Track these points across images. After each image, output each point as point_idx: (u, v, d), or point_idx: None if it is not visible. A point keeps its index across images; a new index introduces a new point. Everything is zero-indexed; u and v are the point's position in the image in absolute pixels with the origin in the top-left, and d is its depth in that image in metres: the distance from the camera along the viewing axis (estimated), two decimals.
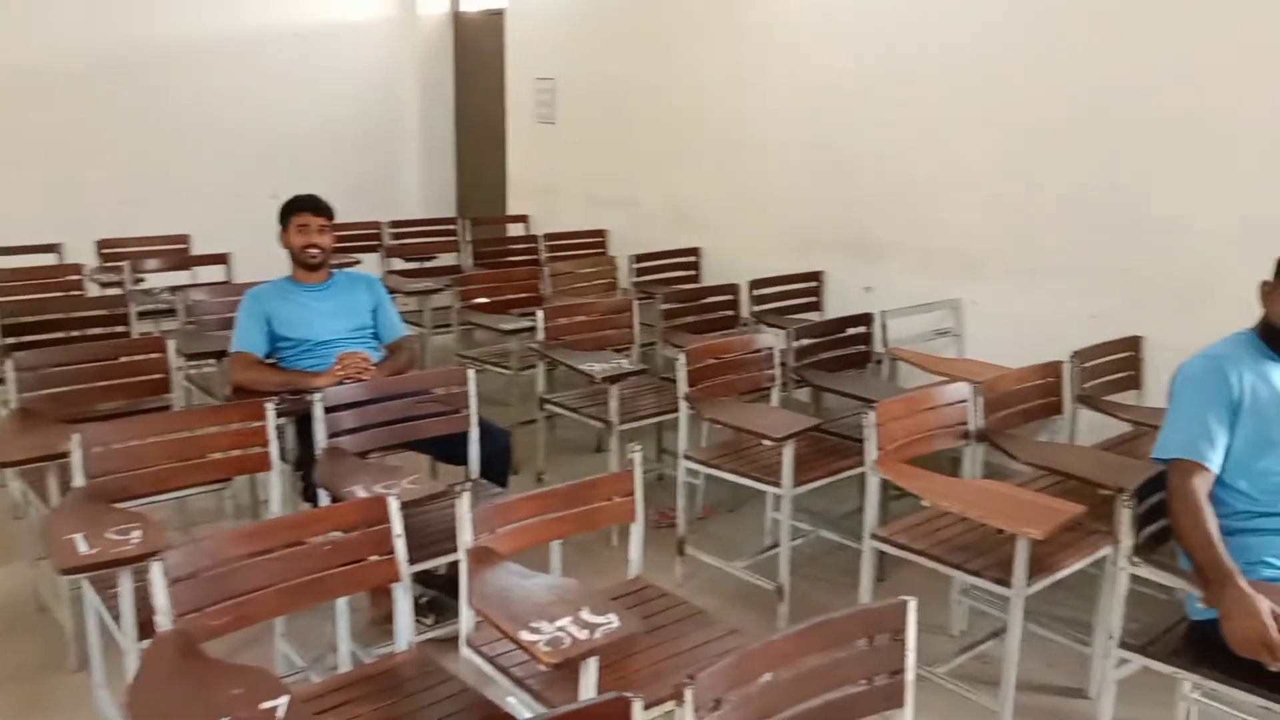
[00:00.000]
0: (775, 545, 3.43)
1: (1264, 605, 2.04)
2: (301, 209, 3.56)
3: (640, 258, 5.44)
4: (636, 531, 2.55)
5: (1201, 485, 2.28)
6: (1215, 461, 2.30)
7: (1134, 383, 3.80)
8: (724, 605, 3.39)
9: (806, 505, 3.82)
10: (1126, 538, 2.33)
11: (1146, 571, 2.31)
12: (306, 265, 3.57)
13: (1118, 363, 3.76)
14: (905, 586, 3.49)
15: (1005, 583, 2.55)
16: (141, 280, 5.14)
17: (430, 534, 2.76)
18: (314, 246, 3.54)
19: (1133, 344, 3.82)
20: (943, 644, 3.15)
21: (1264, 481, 2.33)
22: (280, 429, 3.15)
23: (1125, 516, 2.32)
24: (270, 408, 2.82)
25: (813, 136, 5.02)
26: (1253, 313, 2.41)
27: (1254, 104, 3.48)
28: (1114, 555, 2.47)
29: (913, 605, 1.77)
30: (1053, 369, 3.47)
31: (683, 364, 3.45)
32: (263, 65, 7.27)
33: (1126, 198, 3.85)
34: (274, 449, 2.82)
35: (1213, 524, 2.22)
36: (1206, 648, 2.22)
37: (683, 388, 3.46)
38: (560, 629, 1.94)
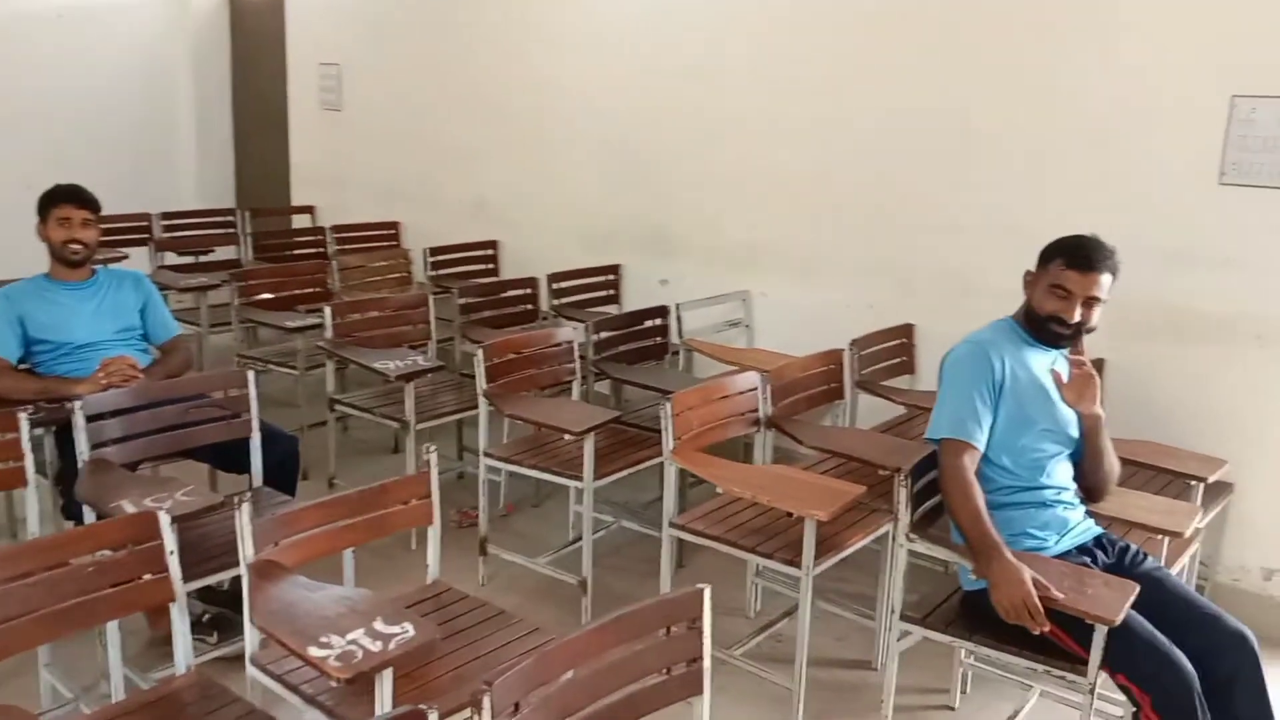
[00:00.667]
0: (578, 539, 3.43)
1: (1026, 574, 2.21)
2: (62, 200, 3.26)
3: (436, 251, 5.31)
4: (433, 535, 2.48)
5: (970, 463, 2.43)
6: (981, 440, 2.46)
7: (908, 368, 4.04)
8: (529, 603, 3.37)
9: (609, 497, 3.85)
10: (903, 515, 2.47)
11: (922, 547, 2.46)
12: (67, 261, 3.28)
13: (892, 349, 3.98)
14: (704, 572, 3.60)
15: (795, 563, 2.65)
16: None
17: (210, 548, 2.59)
18: (76, 242, 3.26)
19: (906, 331, 4.05)
20: (740, 626, 3.25)
21: (1024, 458, 2.52)
22: (38, 441, 2.88)
23: (902, 495, 2.46)
24: (24, 418, 2.56)
25: (609, 133, 5.04)
26: (1010, 303, 2.60)
27: (1017, 123, 3.76)
28: (893, 532, 2.62)
29: (708, 593, 1.81)
30: (834, 356, 3.63)
31: (481, 359, 3.39)
32: (18, 49, 6.61)
33: (905, 199, 4.08)
34: (29, 463, 2.57)
35: (980, 500, 2.38)
36: (979, 616, 2.39)
37: (482, 383, 3.40)
38: (352, 642, 1.86)
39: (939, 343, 2.63)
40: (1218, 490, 3.24)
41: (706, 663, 1.82)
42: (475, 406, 3.51)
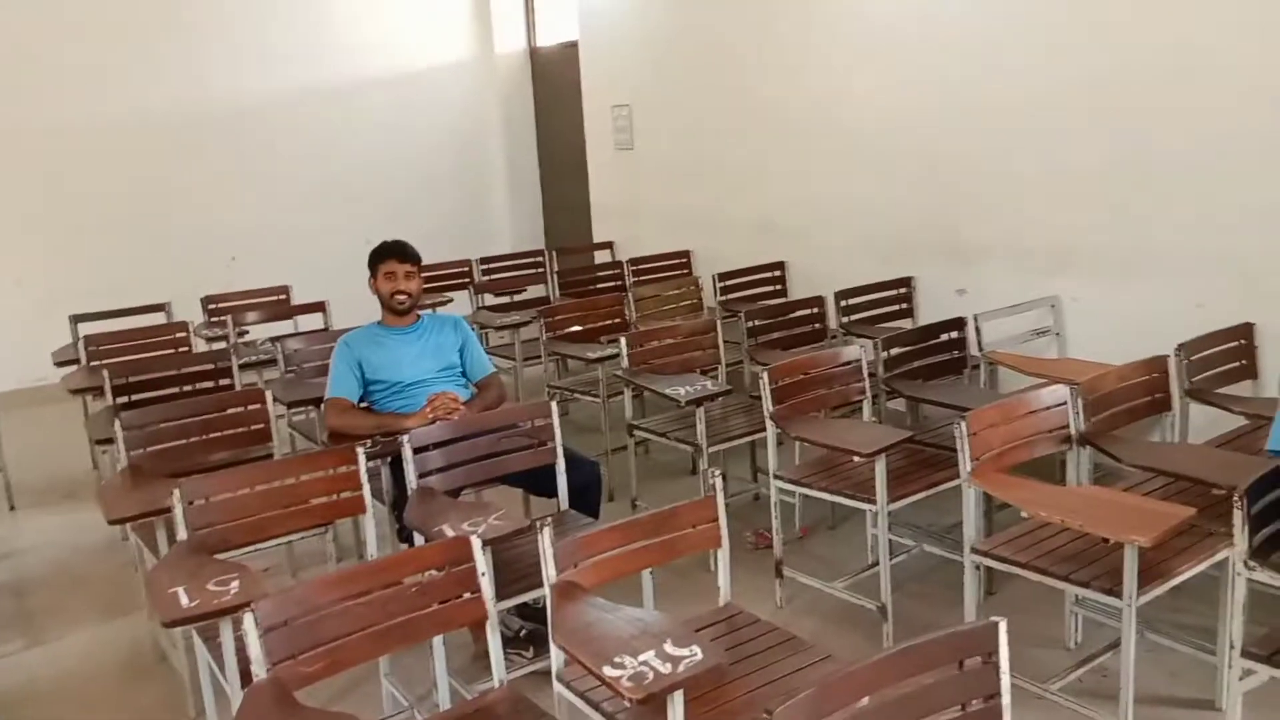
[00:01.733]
0: (876, 564, 3.34)
1: None
2: (387, 256, 3.65)
3: (724, 275, 5.41)
4: (723, 557, 2.52)
5: None
6: None
7: (1249, 373, 3.60)
8: (826, 627, 3.32)
9: (909, 520, 3.73)
10: (1241, 540, 2.20)
11: (1265, 575, 2.17)
12: (395, 310, 3.66)
13: (1229, 353, 3.56)
14: (1015, 600, 3.40)
15: (1116, 593, 2.43)
16: (245, 333, 5.34)
17: (523, 568, 2.78)
18: (401, 292, 3.63)
19: (1244, 332, 3.61)
20: (1058, 658, 3.02)
21: None
22: (376, 471, 3.23)
23: (1238, 518, 2.19)
24: (361, 451, 2.88)
25: (894, 140, 4.92)
26: None
27: None
28: (1231, 559, 2.33)
29: (1003, 626, 1.70)
30: (1158, 364, 3.30)
31: (766, 381, 3.41)
32: (351, 114, 7.54)
33: (1229, 183, 3.65)
34: (367, 492, 2.88)
35: None
36: None
37: (768, 406, 3.41)
38: (644, 663, 1.92)
39: None
40: None
41: (1005, 699, 1.71)
42: (764, 429, 3.53)
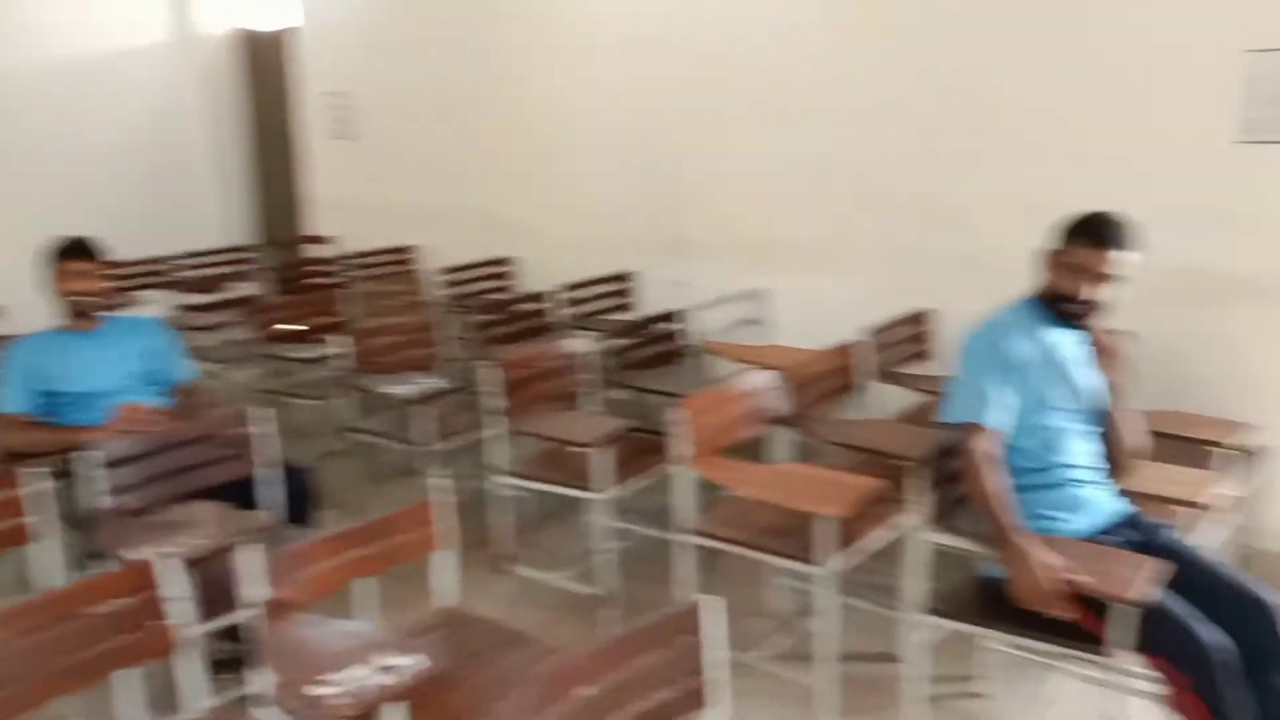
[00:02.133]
0: (599, 551, 3.40)
1: (1045, 558, 2.14)
2: (66, 254, 3.29)
3: (450, 270, 5.32)
4: (445, 560, 2.47)
5: (989, 447, 2.37)
6: (1001, 422, 2.39)
7: (929, 353, 3.96)
8: (555, 619, 3.34)
9: (635, 506, 3.82)
10: (921, 505, 2.41)
11: (941, 537, 2.39)
12: (76, 312, 3.31)
13: (911, 336, 3.91)
14: (733, 574, 3.55)
15: (813, 562, 2.60)
16: None
17: (230, 587, 2.59)
18: (81, 293, 3.28)
19: (923, 317, 3.98)
20: (764, 626, 3.20)
21: (1040, 437, 2.45)
22: (56, 492, 2.91)
23: (918, 485, 2.40)
24: (26, 474, 2.58)
25: (620, 140, 5.03)
26: (1025, 282, 2.53)
27: (1027, 98, 3.69)
28: (914, 523, 2.55)
29: (707, 604, 1.77)
30: (851, 348, 3.57)
31: (491, 377, 3.38)
32: (35, 104, 6.73)
33: (917, 182, 4.02)
34: (32, 519, 2.58)
35: (1000, 484, 2.32)
36: (1001, 603, 2.32)
37: (500, 402, 3.39)
38: (360, 676, 1.85)
39: (958, 326, 2.57)
40: (1258, 456, 3.13)
41: (713, 674, 1.78)
42: (492, 425, 3.50)
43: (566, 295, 4.72)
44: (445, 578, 2.48)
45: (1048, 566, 2.13)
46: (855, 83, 4.10)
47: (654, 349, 4.17)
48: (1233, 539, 3.01)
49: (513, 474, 3.42)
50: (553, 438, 3.27)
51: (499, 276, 5.55)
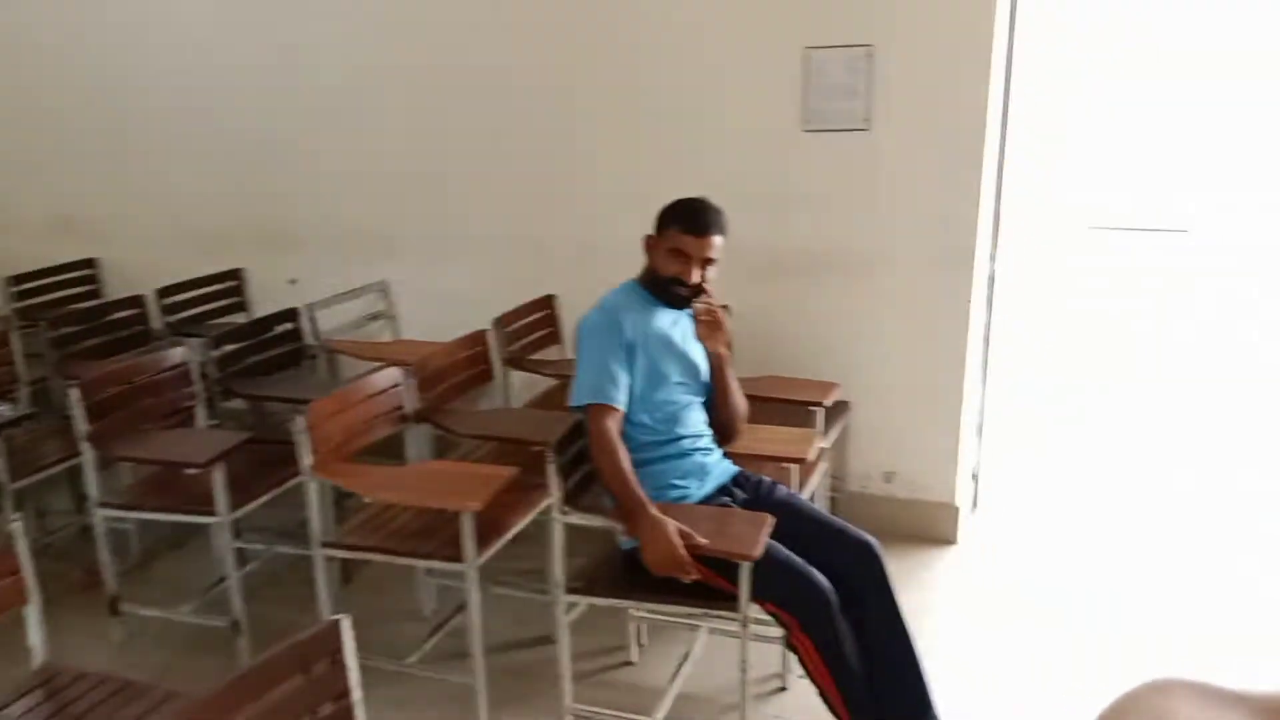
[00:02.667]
0: (226, 578, 3.14)
1: (671, 527, 2.27)
2: None
3: (18, 279, 4.64)
4: (32, 614, 2.15)
5: (613, 425, 2.47)
6: (622, 400, 2.50)
7: (554, 339, 4.06)
8: (182, 658, 3.06)
9: (261, 523, 3.57)
10: (556, 489, 2.46)
11: (576, 518, 2.46)
12: None
13: (537, 322, 3.97)
14: (374, 582, 3.46)
15: (456, 558, 2.58)
16: None
17: None
18: None
19: (547, 303, 4.06)
20: (419, 630, 3.14)
21: (661, 411, 2.59)
22: None
23: (551, 469, 2.45)
24: None
25: (213, 128, 4.60)
26: (639, 265, 2.66)
27: (618, 92, 3.84)
28: (551, 506, 2.61)
29: (346, 624, 1.68)
30: (479, 337, 3.57)
31: (78, 398, 2.99)
32: None
33: (529, 172, 4.06)
34: None
35: (625, 461, 2.43)
36: (638, 573, 2.43)
37: (82, 426, 3.00)
38: None
39: (580, 310, 2.64)
40: (837, 411, 3.54)
41: (356, 695, 1.70)
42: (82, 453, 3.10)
43: (166, 300, 4.29)
44: (35, 633, 2.17)
45: (674, 535, 2.26)
46: (464, 73, 4.08)
47: (271, 353, 3.91)
48: (821, 486, 3.38)
49: (112, 505, 3.06)
50: (154, 460, 2.96)
51: (83, 282, 4.92)
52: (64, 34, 4.81)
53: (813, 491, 3.11)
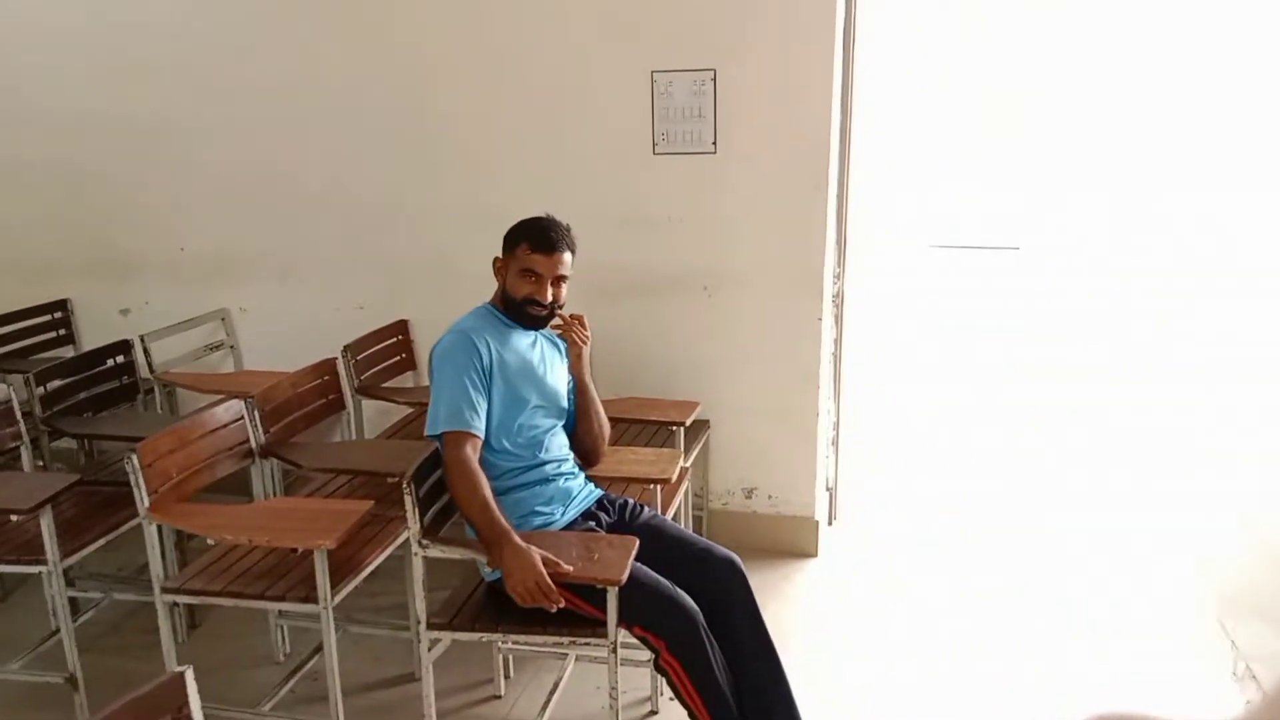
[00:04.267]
0: (58, 630, 2.92)
1: (536, 555, 2.23)
2: None
3: None
4: None
5: (473, 452, 2.41)
6: (480, 427, 2.44)
7: (408, 365, 3.97)
8: (13, 719, 2.81)
9: (96, 569, 3.35)
10: (414, 522, 2.38)
11: (436, 551, 2.39)
12: None
13: (390, 349, 3.88)
14: (223, 627, 3.29)
15: (311, 599, 2.47)
16: None
17: None
18: None
19: (401, 328, 3.97)
20: (272, 674, 2.99)
21: (521, 437, 2.55)
22: None
23: (409, 502, 2.37)
24: None
25: (30, 149, 4.32)
26: (493, 287, 2.61)
27: (473, 110, 3.79)
28: (409, 539, 2.53)
29: (190, 675, 1.57)
30: (327, 366, 3.45)
31: None
32: None
33: (377, 191, 3.96)
34: None
35: (485, 488, 2.37)
36: (503, 605, 2.39)
37: None
38: None
39: (435, 335, 2.57)
40: (697, 429, 3.58)
41: None
42: None
43: None
44: None
45: (539, 563, 2.22)
46: (309, 88, 3.95)
47: (103, 387, 3.67)
48: (685, 505, 3.40)
49: None
50: None
51: None
52: None
53: (676, 511, 3.12)
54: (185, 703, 1.57)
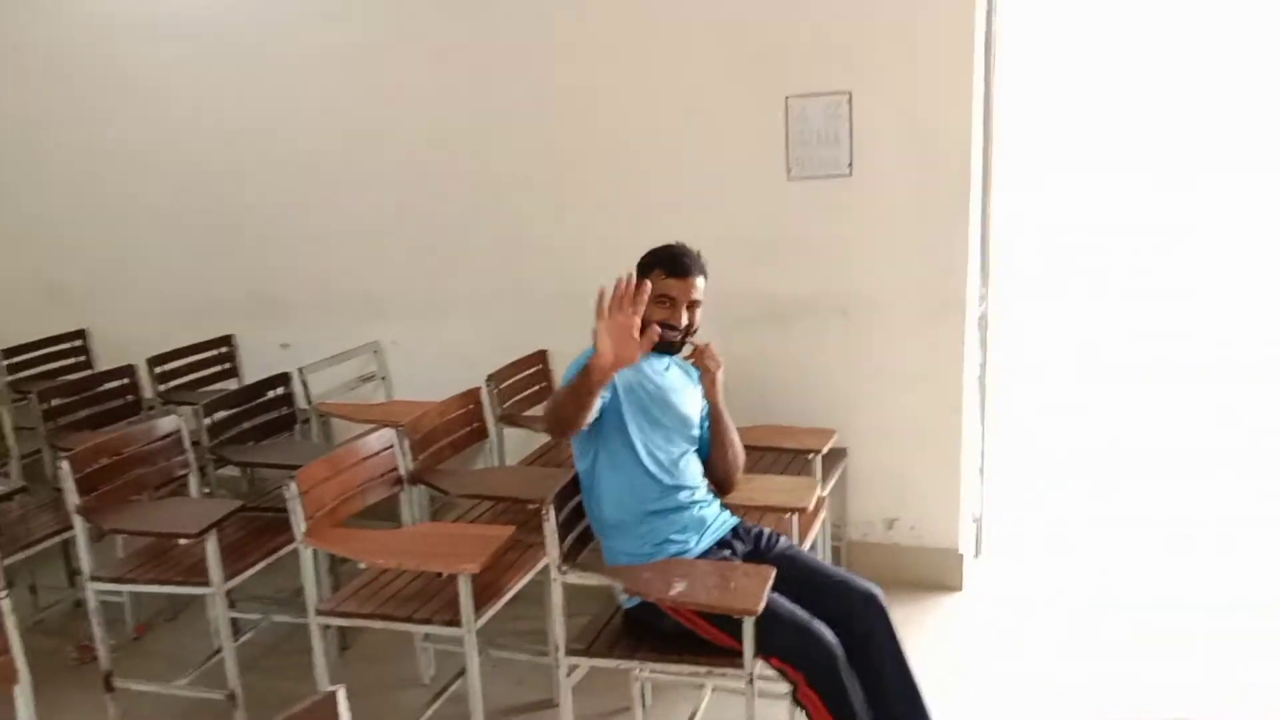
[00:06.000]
0: (221, 649, 3.08)
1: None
2: None
3: (8, 352, 4.63)
4: (22, 694, 2.10)
5: None
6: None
7: (549, 393, 4.03)
8: None
9: (255, 592, 3.52)
10: (553, 547, 2.42)
11: (574, 577, 2.42)
12: None
13: (530, 378, 3.96)
14: (372, 649, 3.41)
15: (455, 622, 2.53)
16: None
17: None
18: None
19: (540, 358, 4.05)
20: (418, 696, 3.08)
21: (658, 464, 2.54)
22: None
23: (548, 528, 2.41)
24: None
25: (192, 195, 4.64)
26: None
27: (599, 149, 3.87)
28: (549, 565, 2.56)
29: (343, 694, 1.64)
30: (471, 396, 3.55)
31: (68, 471, 2.95)
32: None
33: (514, 227, 4.08)
34: None
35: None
36: (641, 632, 2.40)
37: (73, 498, 2.96)
38: None
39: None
40: (834, 458, 3.52)
41: None
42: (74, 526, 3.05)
43: (157, 369, 4.27)
44: (26, 713, 2.11)
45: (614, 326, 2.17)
46: (446, 132, 4.11)
47: (263, 418, 3.88)
48: (822, 536, 3.34)
49: (104, 578, 3.01)
50: (146, 532, 2.92)
51: (73, 354, 4.91)
52: (50, 104, 4.84)
53: (813, 541, 3.07)
54: (338, 718, 1.63)
